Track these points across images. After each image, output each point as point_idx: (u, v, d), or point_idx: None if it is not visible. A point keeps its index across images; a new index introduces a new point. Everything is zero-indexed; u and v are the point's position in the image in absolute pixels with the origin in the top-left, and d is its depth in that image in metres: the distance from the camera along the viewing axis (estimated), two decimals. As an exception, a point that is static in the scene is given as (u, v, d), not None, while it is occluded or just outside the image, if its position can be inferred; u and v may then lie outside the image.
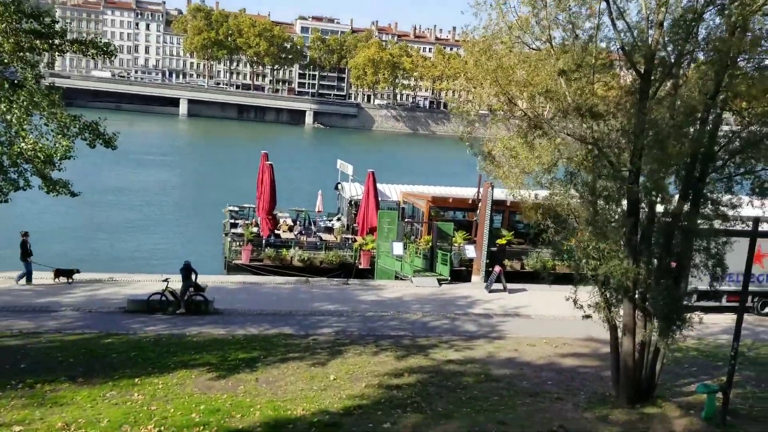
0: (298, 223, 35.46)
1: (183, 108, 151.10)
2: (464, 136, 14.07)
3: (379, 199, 33.26)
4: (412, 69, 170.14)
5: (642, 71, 13.13)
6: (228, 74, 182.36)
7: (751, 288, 24.96)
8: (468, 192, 34.11)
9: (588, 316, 15.30)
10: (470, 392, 15.27)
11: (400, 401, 14.31)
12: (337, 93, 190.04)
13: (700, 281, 24.43)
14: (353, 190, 35.70)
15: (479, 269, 28.31)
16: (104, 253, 34.80)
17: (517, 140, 13.54)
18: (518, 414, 14.05)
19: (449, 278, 27.16)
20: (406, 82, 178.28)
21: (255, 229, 31.23)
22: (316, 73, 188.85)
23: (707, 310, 25.12)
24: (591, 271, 13.98)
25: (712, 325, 23.65)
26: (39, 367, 15.00)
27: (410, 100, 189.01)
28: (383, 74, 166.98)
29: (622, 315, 14.65)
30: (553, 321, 22.37)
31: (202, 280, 22.17)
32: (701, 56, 13.61)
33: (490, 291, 25.91)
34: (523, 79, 13.18)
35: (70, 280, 22.97)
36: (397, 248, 26.97)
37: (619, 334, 14.96)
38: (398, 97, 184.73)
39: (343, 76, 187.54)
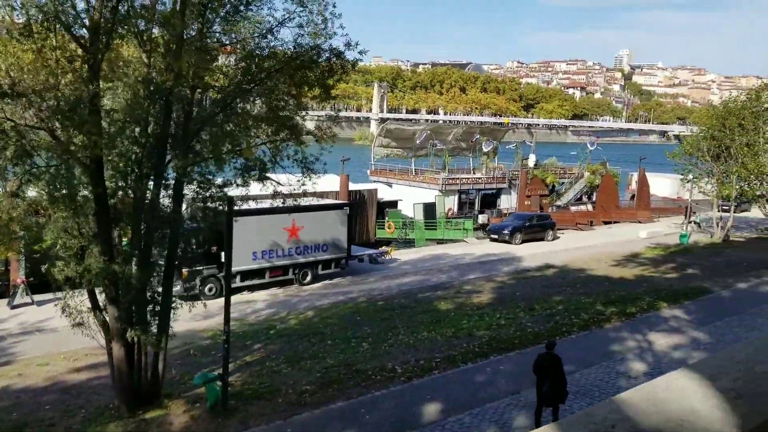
0: None
1: None
2: None
3: None
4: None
5: (85, 43, 11.58)
6: None
7: (290, 261, 26.48)
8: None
9: (80, 324, 13.53)
10: (-70, 447, 12.15)
11: None
12: None
13: (241, 263, 25.01)
14: None
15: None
16: None
17: None
18: (-14, 461, 11.54)
19: (-40, 300, 22.53)
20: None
21: None
22: None
23: (254, 288, 25.85)
24: (58, 274, 12.15)
25: (259, 302, 24.22)
26: None
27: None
28: None
29: (109, 318, 13.17)
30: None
31: None
32: (156, 30, 12.64)
33: (13, 307, 22.23)
34: None
35: None
36: None
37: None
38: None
39: None
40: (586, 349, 17.60)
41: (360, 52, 12.23)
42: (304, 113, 13.28)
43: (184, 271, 23.04)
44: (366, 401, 14.31)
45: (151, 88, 12.32)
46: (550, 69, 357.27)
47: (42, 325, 20.54)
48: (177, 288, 23.33)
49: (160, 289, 13.80)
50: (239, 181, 14.18)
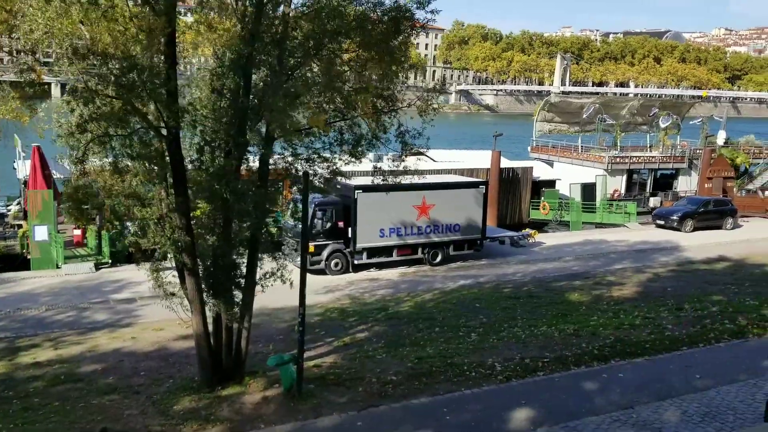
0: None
1: None
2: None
3: (62, 176, 29.55)
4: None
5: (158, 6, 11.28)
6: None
7: (420, 240, 25.52)
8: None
9: (172, 294, 13.73)
10: (29, 401, 12.90)
11: None
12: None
13: (368, 239, 24.49)
14: (27, 168, 31.14)
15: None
16: None
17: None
18: (69, 420, 11.99)
19: (110, 261, 24.34)
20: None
21: None
22: None
23: (382, 265, 25.26)
24: (132, 245, 12.30)
25: (382, 280, 23.60)
26: None
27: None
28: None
29: (188, 291, 13.12)
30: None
31: None
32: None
33: (155, 270, 23.57)
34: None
35: None
36: (40, 233, 23.57)
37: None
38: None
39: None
40: (731, 362, 14.82)
41: (432, 11, 10.79)
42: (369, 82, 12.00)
43: (311, 245, 23.06)
44: (453, 400, 13.04)
45: (232, 56, 11.93)
46: (764, 36, 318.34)
47: (171, 290, 21.47)
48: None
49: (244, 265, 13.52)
50: (326, 155, 13.41)
